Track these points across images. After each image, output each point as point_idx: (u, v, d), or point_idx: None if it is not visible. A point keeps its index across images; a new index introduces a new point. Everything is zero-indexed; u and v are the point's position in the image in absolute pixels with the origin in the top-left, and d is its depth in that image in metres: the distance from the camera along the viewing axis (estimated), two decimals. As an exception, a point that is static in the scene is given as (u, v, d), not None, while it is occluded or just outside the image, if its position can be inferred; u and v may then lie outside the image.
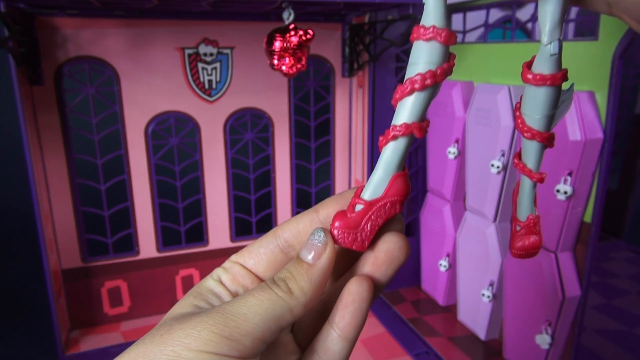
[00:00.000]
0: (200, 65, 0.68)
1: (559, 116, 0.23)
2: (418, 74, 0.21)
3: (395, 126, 0.22)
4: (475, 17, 0.67)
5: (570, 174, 0.49)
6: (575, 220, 0.51)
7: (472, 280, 0.67)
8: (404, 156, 0.22)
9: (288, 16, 0.55)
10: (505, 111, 0.57)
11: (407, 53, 0.73)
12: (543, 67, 0.22)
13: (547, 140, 0.23)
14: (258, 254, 0.24)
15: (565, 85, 0.23)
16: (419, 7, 0.64)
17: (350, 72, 0.75)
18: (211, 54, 0.68)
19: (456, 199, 0.70)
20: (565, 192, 0.49)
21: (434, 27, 0.21)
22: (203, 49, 0.67)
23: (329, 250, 0.22)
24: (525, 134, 0.23)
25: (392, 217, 0.23)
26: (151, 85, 0.66)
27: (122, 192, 0.68)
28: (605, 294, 0.75)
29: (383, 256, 0.22)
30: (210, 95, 0.69)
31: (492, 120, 0.59)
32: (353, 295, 0.21)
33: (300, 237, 0.24)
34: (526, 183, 0.25)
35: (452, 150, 0.67)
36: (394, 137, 0.22)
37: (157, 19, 0.64)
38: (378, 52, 0.68)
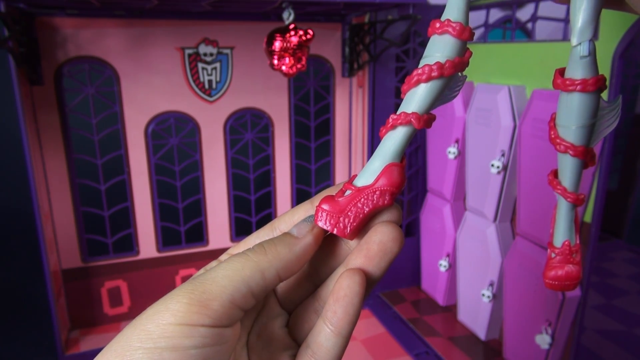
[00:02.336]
0: (200, 65, 0.68)
1: (601, 131, 0.21)
2: (426, 65, 0.20)
3: (395, 115, 0.21)
4: (475, 17, 0.67)
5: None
6: (575, 220, 0.51)
7: (472, 280, 0.67)
8: (402, 146, 0.22)
9: (288, 16, 0.55)
10: (505, 111, 0.57)
11: (407, 53, 0.73)
12: (574, 71, 0.20)
13: (582, 154, 0.21)
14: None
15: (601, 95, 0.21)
16: (419, 7, 0.64)
17: (350, 72, 0.75)
18: (211, 54, 0.68)
19: (456, 199, 0.70)
20: (565, 192, 0.49)
21: (448, 20, 0.20)
22: (203, 49, 0.67)
23: (316, 230, 0.22)
24: (558, 147, 0.21)
25: (385, 208, 0.22)
26: (151, 85, 0.66)
27: (122, 192, 0.68)
28: (605, 294, 0.75)
29: (375, 248, 0.21)
30: (210, 95, 0.69)
31: (492, 120, 0.59)
32: (344, 290, 0.21)
33: None
34: (562, 204, 0.22)
35: (452, 150, 0.67)
36: (393, 126, 0.21)
37: (157, 19, 0.64)
38: (378, 52, 0.68)
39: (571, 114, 0.20)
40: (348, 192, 0.22)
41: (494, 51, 0.62)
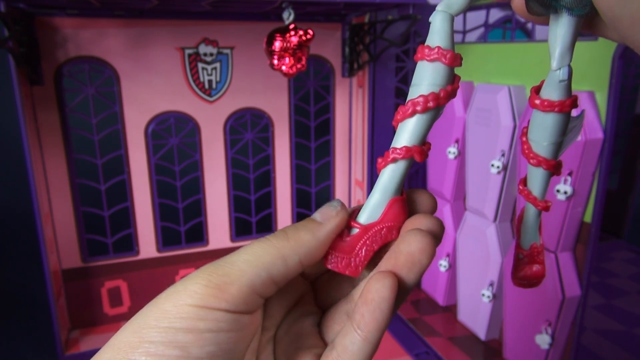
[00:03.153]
0: (200, 65, 0.68)
1: (567, 143, 0.22)
2: (420, 96, 0.20)
3: (396, 149, 0.21)
4: (475, 17, 0.67)
5: (570, 174, 0.49)
6: (575, 220, 0.51)
7: (472, 280, 0.67)
8: (402, 180, 0.22)
9: (288, 16, 0.55)
10: (505, 111, 0.57)
11: (407, 53, 0.73)
12: (552, 92, 0.21)
13: (553, 168, 0.22)
14: None
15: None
16: (419, 7, 0.64)
17: (350, 72, 0.75)
18: (211, 54, 0.68)
19: (456, 199, 0.70)
20: (566, 192, 0.49)
21: (439, 48, 0.20)
22: (203, 49, 0.67)
23: (340, 216, 0.21)
24: (531, 161, 0.22)
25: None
26: (151, 85, 0.66)
27: (122, 192, 0.68)
28: (605, 294, 0.75)
29: (403, 259, 0.20)
30: (210, 95, 0.69)
31: (492, 120, 0.59)
32: (372, 293, 0.19)
33: None
34: (531, 211, 0.24)
35: (452, 150, 0.67)
36: (394, 160, 0.21)
37: (157, 19, 0.64)
38: (378, 52, 0.68)
39: (545, 132, 0.22)
40: (354, 230, 0.22)
41: (494, 51, 0.62)
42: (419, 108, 0.20)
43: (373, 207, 0.22)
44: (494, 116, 0.59)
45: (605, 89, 0.46)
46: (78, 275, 0.68)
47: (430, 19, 0.21)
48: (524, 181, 0.24)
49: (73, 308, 0.69)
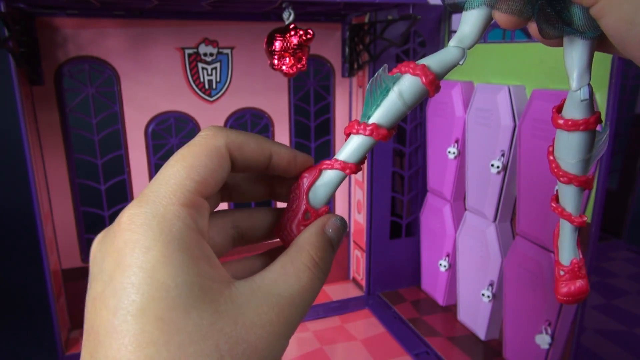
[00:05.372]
0: (200, 65, 0.68)
1: (595, 157, 0.22)
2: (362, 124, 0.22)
3: (329, 161, 0.23)
4: (475, 17, 0.67)
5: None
6: (575, 220, 0.51)
7: (472, 280, 0.67)
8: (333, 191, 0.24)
9: (288, 16, 0.55)
10: (505, 111, 0.57)
11: (407, 53, 0.73)
12: (574, 112, 0.21)
13: (585, 183, 0.22)
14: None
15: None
16: (419, 7, 0.64)
17: (350, 72, 0.75)
18: (211, 54, 0.68)
19: (456, 199, 0.70)
20: (565, 192, 0.49)
21: (432, 74, 0.21)
22: (203, 49, 0.67)
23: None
24: (562, 179, 0.23)
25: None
26: (151, 85, 0.66)
27: (122, 192, 0.68)
28: (605, 294, 0.75)
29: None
30: (210, 95, 0.69)
31: (492, 120, 0.59)
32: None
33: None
34: (566, 227, 0.24)
35: (452, 150, 0.67)
36: (331, 167, 0.23)
37: (157, 19, 0.64)
38: (378, 52, 0.68)
39: (572, 150, 0.22)
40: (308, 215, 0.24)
41: (494, 51, 0.62)
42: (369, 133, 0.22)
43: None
44: (494, 116, 0.59)
45: (605, 89, 0.46)
46: (78, 275, 0.68)
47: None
48: (556, 198, 0.24)
49: (73, 308, 0.69)
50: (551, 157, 0.23)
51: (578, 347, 0.53)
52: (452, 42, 0.22)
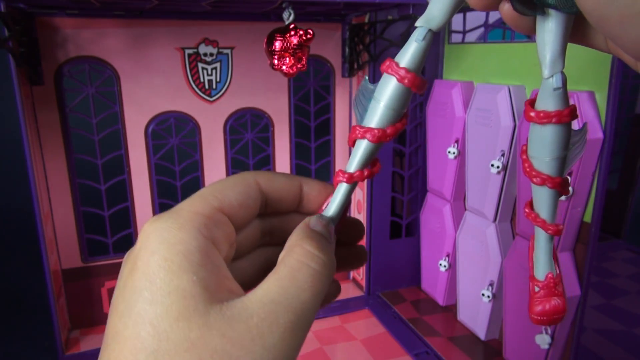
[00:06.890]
0: (200, 65, 0.68)
1: (572, 159, 0.20)
2: (368, 130, 0.22)
3: (343, 172, 0.23)
4: (475, 17, 0.67)
5: (570, 174, 0.49)
6: (575, 220, 0.51)
7: (472, 280, 0.67)
8: (346, 201, 0.23)
9: (288, 16, 0.55)
10: (505, 111, 0.57)
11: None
12: (547, 103, 0.19)
13: (559, 185, 0.20)
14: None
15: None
16: (419, 7, 0.64)
17: (350, 72, 0.75)
18: (211, 54, 0.68)
19: (456, 199, 0.70)
20: (565, 192, 0.49)
21: (405, 69, 0.21)
22: (203, 49, 0.67)
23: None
24: (535, 180, 0.21)
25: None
26: (151, 85, 0.66)
27: (122, 192, 0.68)
28: (605, 294, 0.75)
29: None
30: (210, 95, 0.69)
31: (492, 120, 0.59)
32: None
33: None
34: (541, 236, 0.22)
35: (452, 150, 0.67)
36: (351, 180, 0.23)
37: (157, 19, 0.64)
38: (378, 52, 0.68)
39: (546, 146, 0.20)
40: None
41: (494, 51, 0.62)
42: (368, 136, 0.22)
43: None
44: (494, 116, 0.59)
45: (605, 89, 0.46)
46: (78, 275, 0.68)
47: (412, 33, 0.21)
48: (530, 204, 0.22)
49: (73, 308, 0.69)
50: (524, 156, 0.21)
51: (578, 347, 0.53)
52: (419, 22, 0.21)
